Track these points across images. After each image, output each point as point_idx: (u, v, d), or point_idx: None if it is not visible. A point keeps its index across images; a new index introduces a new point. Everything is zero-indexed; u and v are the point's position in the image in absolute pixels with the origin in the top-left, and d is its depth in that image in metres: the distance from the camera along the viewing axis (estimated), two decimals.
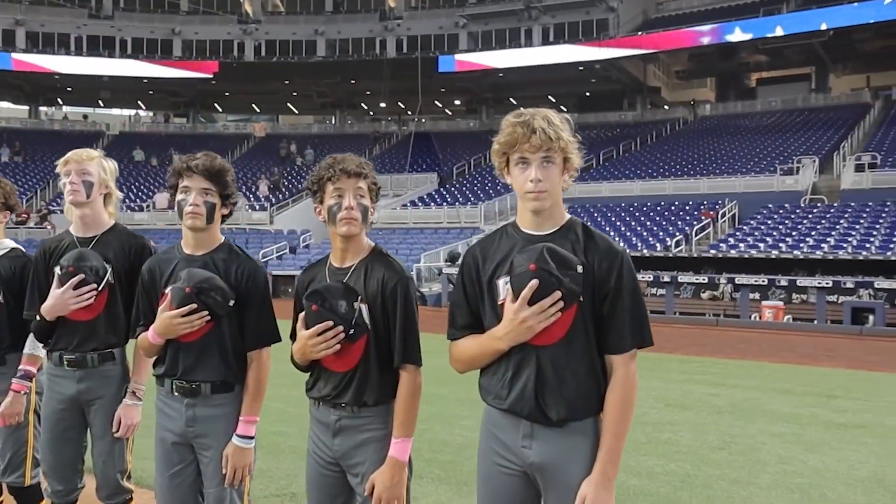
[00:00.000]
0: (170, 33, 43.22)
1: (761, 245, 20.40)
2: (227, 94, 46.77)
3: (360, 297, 2.58)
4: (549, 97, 48.00)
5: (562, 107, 40.63)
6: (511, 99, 48.10)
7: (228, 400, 2.90)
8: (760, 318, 16.61)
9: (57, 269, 3.28)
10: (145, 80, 42.85)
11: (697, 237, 22.89)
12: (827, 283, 16.80)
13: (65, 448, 3.32)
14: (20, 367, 3.51)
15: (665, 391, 8.71)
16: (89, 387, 3.28)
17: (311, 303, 2.59)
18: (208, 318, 2.81)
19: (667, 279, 18.73)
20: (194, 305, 2.77)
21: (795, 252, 19.34)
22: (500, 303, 2.34)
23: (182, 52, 43.41)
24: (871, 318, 16.18)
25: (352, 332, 2.56)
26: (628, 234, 24.27)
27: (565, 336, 2.25)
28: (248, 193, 33.62)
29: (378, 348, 2.61)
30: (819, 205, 24.18)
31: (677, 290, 18.74)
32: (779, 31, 34.39)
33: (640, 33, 39.84)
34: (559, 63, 39.81)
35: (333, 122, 48.92)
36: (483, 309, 2.41)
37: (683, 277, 18.72)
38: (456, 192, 33.05)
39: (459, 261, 2.55)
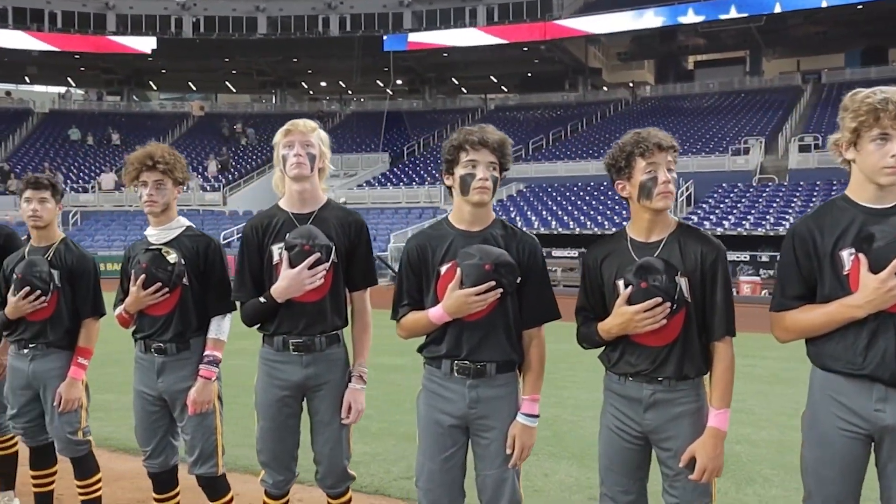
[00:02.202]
0: (103, 7, 41.38)
1: (725, 223, 21.17)
2: (163, 71, 45.23)
3: (678, 272, 2.62)
4: (492, 77, 48.34)
5: (503, 87, 41.19)
6: (453, 79, 48.27)
7: (511, 379, 2.86)
8: (738, 292, 17.27)
9: (276, 249, 3.12)
10: (77, 56, 41.07)
11: None
12: None
13: (286, 437, 3.22)
14: (207, 352, 3.39)
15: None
16: (316, 372, 3.16)
17: (640, 279, 2.59)
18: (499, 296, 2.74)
19: None
20: (492, 283, 2.70)
21: (759, 229, 20.16)
22: (845, 273, 2.45)
23: (116, 26, 41.70)
24: None
25: (674, 306, 2.61)
26: (591, 213, 24.77)
27: None
28: (196, 174, 32.74)
29: (696, 321, 2.65)
30: (770, 184, 25.18)
31: None
32: (733, 13, 35.27)
33: (583, 15, 40.36)
34: (504, 43, 40.06)
35: (274, 101, 47.94)
36: (822, 280, 2.51)
37: None
38: (411, 172, 32.97)
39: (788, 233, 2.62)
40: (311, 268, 3.04)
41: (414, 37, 40.82)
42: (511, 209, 26.49)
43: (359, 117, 43.68)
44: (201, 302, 3.41)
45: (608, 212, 25.06)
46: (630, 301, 2.60)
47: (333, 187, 31.66)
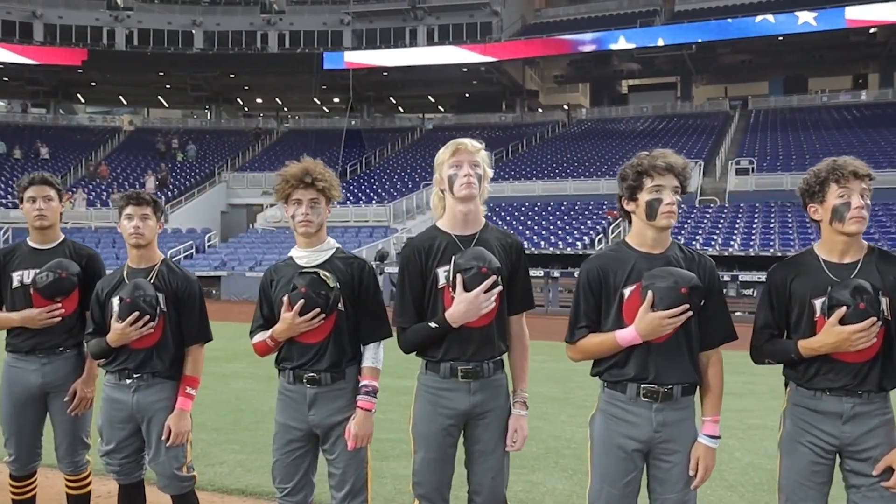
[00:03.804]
0: (30, 16, 39.95)
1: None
2: (93, 84, 43.75)
3: (880, 292, 2.73)
4: (430, 97, 48.65)
5: (440, 107, 41.46)
6: (391, 98, 48.36)
7: (691, 401, 2.86)
8: None
9: (442, 272, 3.02)
10: (0, 66, 39.37)
11: (613, 235, 24.11)
12: (760, 278, 17.76)
13: (447, 468, 3.08)
14: (365, 381, 3.18)
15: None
16: (483, 399, 3.04)
17: (857, 300, 2.67)
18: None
19: None
20: (686, 305, 2.70)
21: (709, 249, 20.84)
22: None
23: (44, 36, 40.24)
24: None
25: (880, 324, 2.71)
26: (543, 232, 25.12)
27: None
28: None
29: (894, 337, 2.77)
30: (712, 206, 26.09)
31: None
32: (660, 42, 36.73)
33: (523, 38, 41.18)
34: (445, 64, 40.44)
35: (209, 116, 46.97)
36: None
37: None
38: (356, 191, 32.76)
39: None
40: (486, 291, 2.93)
41: (351, 55, 40.75)
42: None
43: (295, 135, 43.23)
44: (355, 328, 3.24)
45: (560, 231, 25.47)
46: (843, 321, 2.68)
47: (277, 207, 31.22)
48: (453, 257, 3.01)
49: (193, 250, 26.70)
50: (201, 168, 37.19)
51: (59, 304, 3.77)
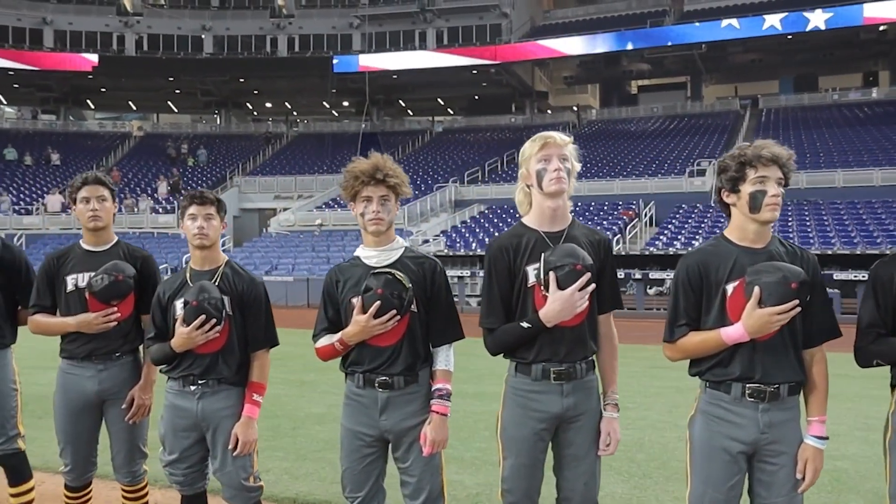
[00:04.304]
0: (40, 22, 40.00)
1: (694, 243, 21.62)
2: (103, 89, 43.80)
3: None
4: (439, 100, 48.58)
5: (449, 110, 41.38)
6: (401, 101, 48.30)
7: (797, 402, 2.78)
8: None
9: (532, 270, 2.91)
10: (11, 73, 39.44)
11: (630, 235, 23.99)
12: None
13: (537, 473, 2.98)
14: (439, 385, 3.07)
15: None
16: (576, 401, 2.95)
17: None
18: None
19: (638, 276, 19.56)
20: (796, 301, 2.61)
21: None
22: None
23: (54, 42, 40.30)
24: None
25: None
26: None
27: None
28: (146, 195, 31.74)
29: None
30: None
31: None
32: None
33: (533, 40, 41.06)
34: (455, 66, 40.36)
35: (218, 121, 47.00)
36: None
37: (654, 274, 19.67)
38: None
39: None
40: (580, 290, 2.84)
41: (365, 58, 40.68)
42: (476, 230, 26.51)
43: (305, 139, 43.21)
44: (426, 330, 3.13)
45: None
46: None
47: (294, 209, 31.18)
48: (542, 255, 2.90)
49: None
50: (213, 173, 37.19)
51: (115, 308, 3.67)
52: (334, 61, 40.46)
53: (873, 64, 41.26)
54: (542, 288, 2.89)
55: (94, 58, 39.25)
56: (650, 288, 19.84)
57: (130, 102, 47.57)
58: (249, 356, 3.46)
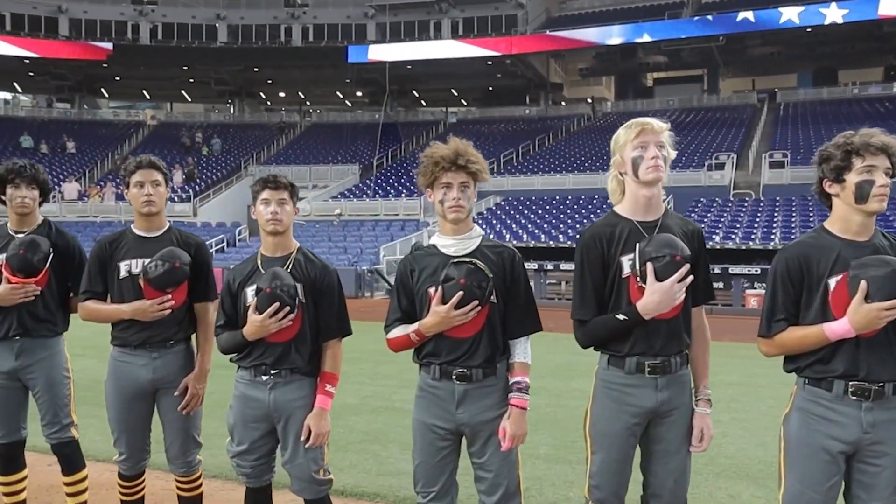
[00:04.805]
0: (55, 10, 39.97)
1: (715, 237, 21.45)
2: (117, 78, 43.80)
3: None
4: (453, 91, 48.38)
5: (463, 101, 41.16)
6: (414, 91, 48.13)
7: None
8: (745, 305, 17.42)
9: (626, 260, 2.82)
10: (27, 61, 39.46)
11: None
12: None
13: (626, 469, 2.92)
14: (517, 378, 2.98)
15: (748, 375, 9.09)
16: (670, 396, 2.86)
17: None
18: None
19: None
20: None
21: (749, 243, 20.55)
22: None
23: (69, 31, 40.28)
24: None
25: None
26: (577, 226, 24.82)
27: None
28: None
29: None
30: (747, 199, 25.70)
31: None
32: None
33: (548, 31, 40.80)
34: (470, 57, 40.15)
35: (232, 110, 46.96)
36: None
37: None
38: (384, 184, 32.59)
39: None
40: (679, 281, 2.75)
41: (378, 48, 40.50)
42: (493, 221, 26.39)
43: (319, 129, 43.12)
44: (503, 321, 3.02)
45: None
46: None
47: (309, 199, 31.11)
48: (638, 245, 2.80)
49: (224, 244, 26.60)
50: (227, 162, 37.17)
51: (170, 296, 3.58)
52: (347, 50, 40.30)
53: (894, 58, 40.82)
54: (637, 279, 2.80)
55: (108, 46, 39.22)
56: None
57: (144, 91, 47.57)
58: (321, 346, 3.37)
